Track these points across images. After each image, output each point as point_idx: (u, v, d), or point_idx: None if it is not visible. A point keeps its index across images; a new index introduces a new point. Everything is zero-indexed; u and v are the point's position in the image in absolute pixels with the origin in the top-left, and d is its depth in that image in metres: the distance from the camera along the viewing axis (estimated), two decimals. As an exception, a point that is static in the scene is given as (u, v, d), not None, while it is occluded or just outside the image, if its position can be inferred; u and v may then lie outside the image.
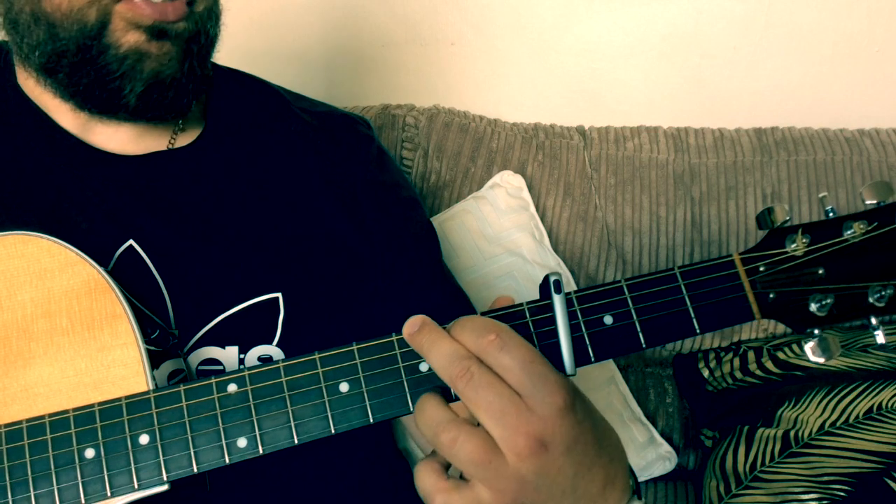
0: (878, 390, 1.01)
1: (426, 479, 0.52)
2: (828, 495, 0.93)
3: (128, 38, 0.62)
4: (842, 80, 1.39)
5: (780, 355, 1.13)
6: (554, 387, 0.49)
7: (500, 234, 1.26)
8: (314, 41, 1.61)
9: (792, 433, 1.02)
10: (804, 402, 1.05)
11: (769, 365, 1.13)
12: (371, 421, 0.53)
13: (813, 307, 0.55)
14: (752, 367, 1.14)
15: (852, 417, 1.00)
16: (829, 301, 0.55)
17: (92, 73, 0.63)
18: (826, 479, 0.95)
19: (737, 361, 1.16)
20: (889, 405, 0.99)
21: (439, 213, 1.31)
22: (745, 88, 1.43)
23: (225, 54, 0.83)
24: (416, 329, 0.52)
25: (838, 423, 1.00)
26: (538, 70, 1.50)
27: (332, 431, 0.52)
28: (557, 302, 0.54)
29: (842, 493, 0.92)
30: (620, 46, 1.44)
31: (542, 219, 1.31)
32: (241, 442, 0.52)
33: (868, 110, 1.38)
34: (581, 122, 1.43)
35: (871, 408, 1.00)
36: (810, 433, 1.01)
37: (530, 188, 1.32)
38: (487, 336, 0.50)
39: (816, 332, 0.56)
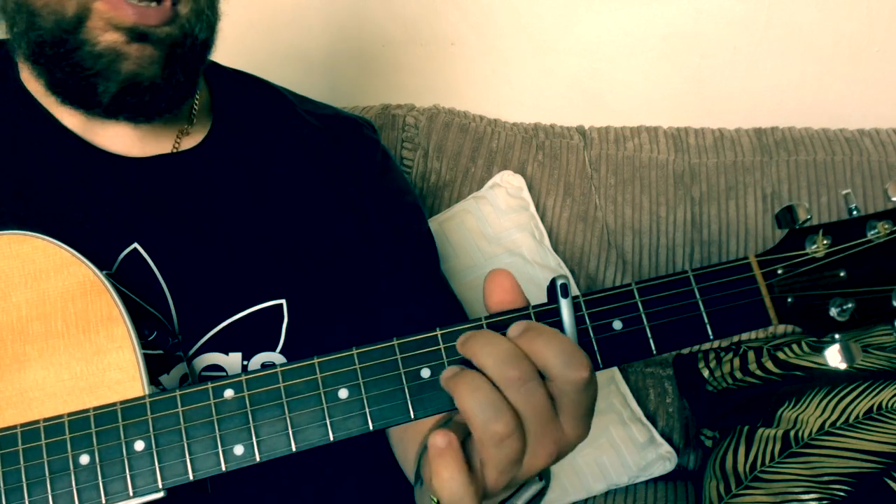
0: (878, 390, 1.01)
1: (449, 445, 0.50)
2: (828, 495, 0.93)
3: (105, 37, 0.61)
4: (842, 80, 1.39)
5: (780, 355, 1.12)
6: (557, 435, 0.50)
7: (500, 234, 1.26)
8: (314, 41, 1.61)
9: (792, 433, 1.02)
10: (804, 402, 1.05)
11: (769, 365, 1.12)
12: (371, 428, 0.51)
13: (833, 312, 0.53)
14: (752, 367, 1.14)
15: (852, 417, 1.00)
16: (850, 306, 0.52)
17: (67, 68, 0.62)
18: (826, 479, 0.94)
19: (737, 361, 1.16)
20: (889, 405, 0.99)
21: (439, 213, 1.31)
22: (745, 88, 1.42)
23: (225, 55, 0.83)
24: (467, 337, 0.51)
25: (838, 423, 1.00)
26: (538, 70, 1.50)
27: (331, 439, 0.51)
28: (564, 306, 0.52)
29: (842, 493, 0.92)
30: (620, 46, 1.44)
31: (542, 219, 1.31)
32: (238, 449, 0.51)
33: (868, 110, 1.38)
34: (581, 122, 1.43)
35: (871, 408, 1.00)
36: (810, 433, 1.01)
37: (530, 188, 1.32)
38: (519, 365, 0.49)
39: (837, 336, 0.53)
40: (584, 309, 0.53)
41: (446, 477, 0.48)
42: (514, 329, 0.50)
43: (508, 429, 0.47)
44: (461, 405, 0.48)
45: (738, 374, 1.15)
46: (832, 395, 1.03)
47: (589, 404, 0.50)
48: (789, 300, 0.54)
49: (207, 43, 0.68)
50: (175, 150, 0.74)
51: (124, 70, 0.62)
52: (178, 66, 0.65)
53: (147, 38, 0.62)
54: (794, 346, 1.13)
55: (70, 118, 0.70)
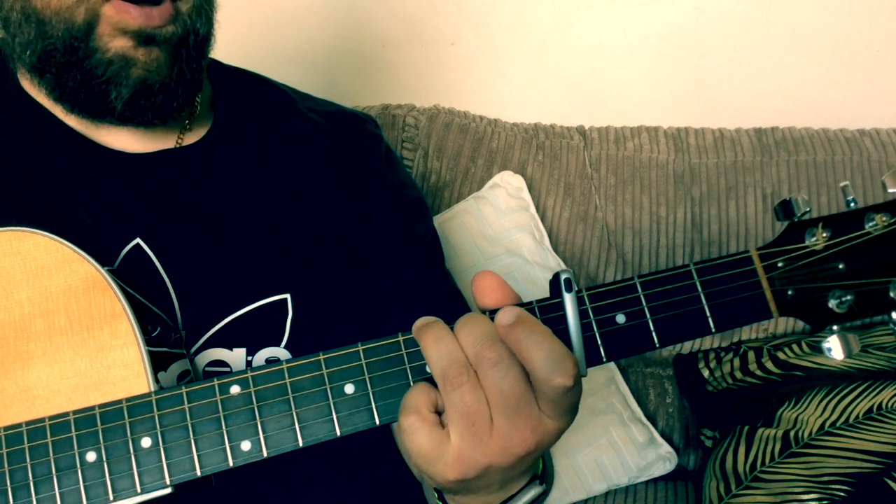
0: (878, 390, 1.01)
1: (417, 397, 0.51)
2: (828, 495, 0.93)
3: (115, 44, 0.62)
4: (842, 80, 1.39)
5: (780, 355, 1.13)
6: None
7: (500, 234, 1.26)
8: (315, 41, 1.60)
9: (792, 433, 1.02)
10: (804, 402, 1.05)
11: (769, 365, 1.13)
12: (377, 423, 0.52)
13: (832, 304, 0.54)
14: (753, 367, 1.14)
15: (852, 417, 1.00)
16: (848, 298, 0.53)
17: (78, 76, 0.63)
18: (826, 479, 0.95)
19: (737, 361, 1.16)
20: (889, 405, 0.99)
21: (439, 213, 1.31)
22: (745, 88, 1.43)
23: (226, 54, 0.83)
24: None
25: (838, 423, 1.00)
26: (538, 70, 1.50)
27: (338, 434, 0.51)
28: (568, 300, 0.53)
29: (842, 493, 0.92)
30: (620, 46, 1.44)
31: (543, 219, 1.31)
32: (245, 445, 0.51)
33: (868, 110, 1.38)
34: (581, 122, 1.43)
35: (871, 408, 1.00)
36: (810, 433, 1.01)
37: (530, 188, 1.32)
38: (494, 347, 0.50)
39: (835, 328, 0.54)
40: (587, 303, 0.54)
41: (409, 428, 0.50)
42: (504, 316, 0.50)
43: (462, 376, 0.49)
44: (424, 352, 0.51)
45: (739, 374, 1.15)
46: (832, 395, 1.04)
47: (572, 402, 0.51)
48: (790, 293, 0.54)
49: (207, 37, 0.69)
50: (178, 146, 0.74)
51: (134, 75, 0.63)
52: (185, 64, 0.66)
53: (153, 40, 0.63)
54: (794, 346, 1.13)
55: (70, 116, 0.70)
